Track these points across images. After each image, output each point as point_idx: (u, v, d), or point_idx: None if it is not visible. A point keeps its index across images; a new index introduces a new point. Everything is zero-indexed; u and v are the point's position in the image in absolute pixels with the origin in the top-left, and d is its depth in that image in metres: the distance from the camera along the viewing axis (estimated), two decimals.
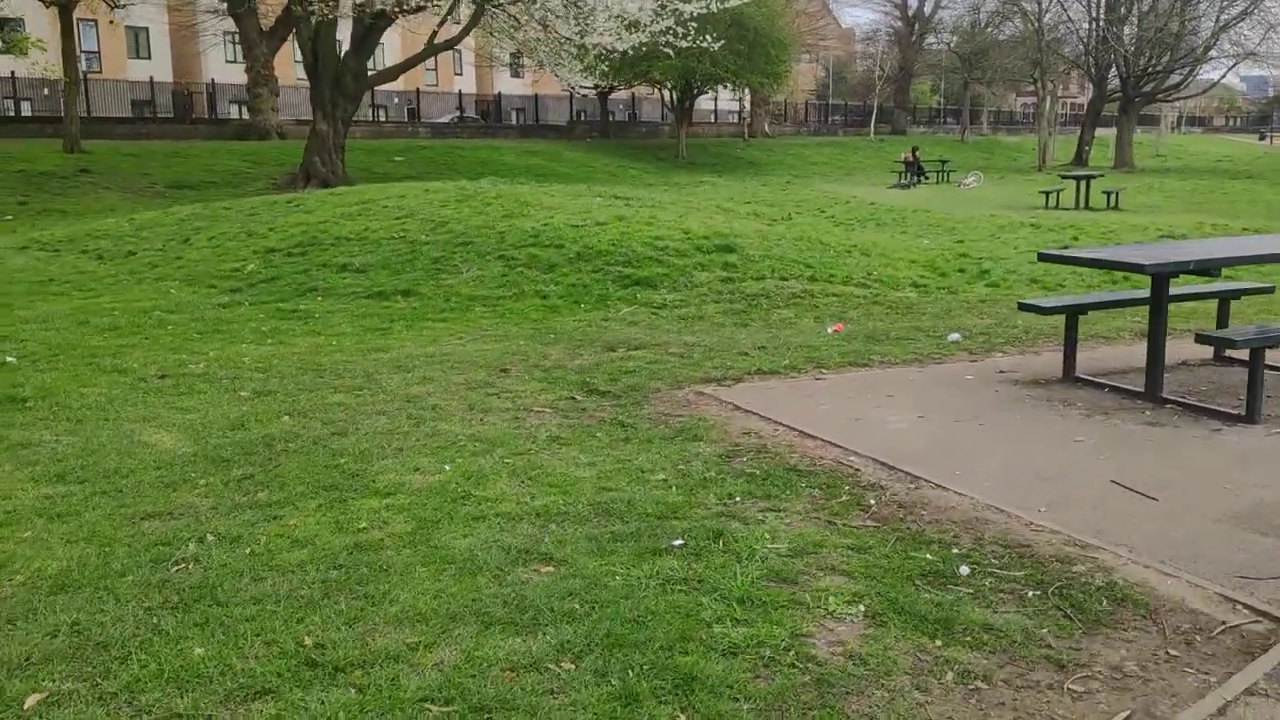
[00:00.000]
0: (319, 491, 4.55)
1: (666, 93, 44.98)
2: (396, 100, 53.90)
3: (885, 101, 63.15)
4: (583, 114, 53.65)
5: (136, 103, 46.21)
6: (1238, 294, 6.89)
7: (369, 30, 27.82)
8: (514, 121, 54.91)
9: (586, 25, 26.13)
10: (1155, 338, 5.91)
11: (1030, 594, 3.58)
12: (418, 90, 50.30)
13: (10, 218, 22.03)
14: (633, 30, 27.60)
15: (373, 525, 4.16)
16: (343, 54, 28.60)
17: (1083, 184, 23.45)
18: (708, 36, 28.73)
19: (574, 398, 6.30)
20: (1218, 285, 7.18)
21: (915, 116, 68.37)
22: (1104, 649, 3.22)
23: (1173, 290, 6.66)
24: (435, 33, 29.93)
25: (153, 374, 6.74)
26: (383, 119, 49.10)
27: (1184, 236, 15.16)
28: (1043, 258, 6.31)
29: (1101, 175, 24.84)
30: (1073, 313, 6.42)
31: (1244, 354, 6.03)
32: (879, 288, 10.01)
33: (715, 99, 59.24)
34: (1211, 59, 47.21)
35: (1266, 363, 5.99)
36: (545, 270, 9.80)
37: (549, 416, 5.87)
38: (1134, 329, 8.38)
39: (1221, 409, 5.71)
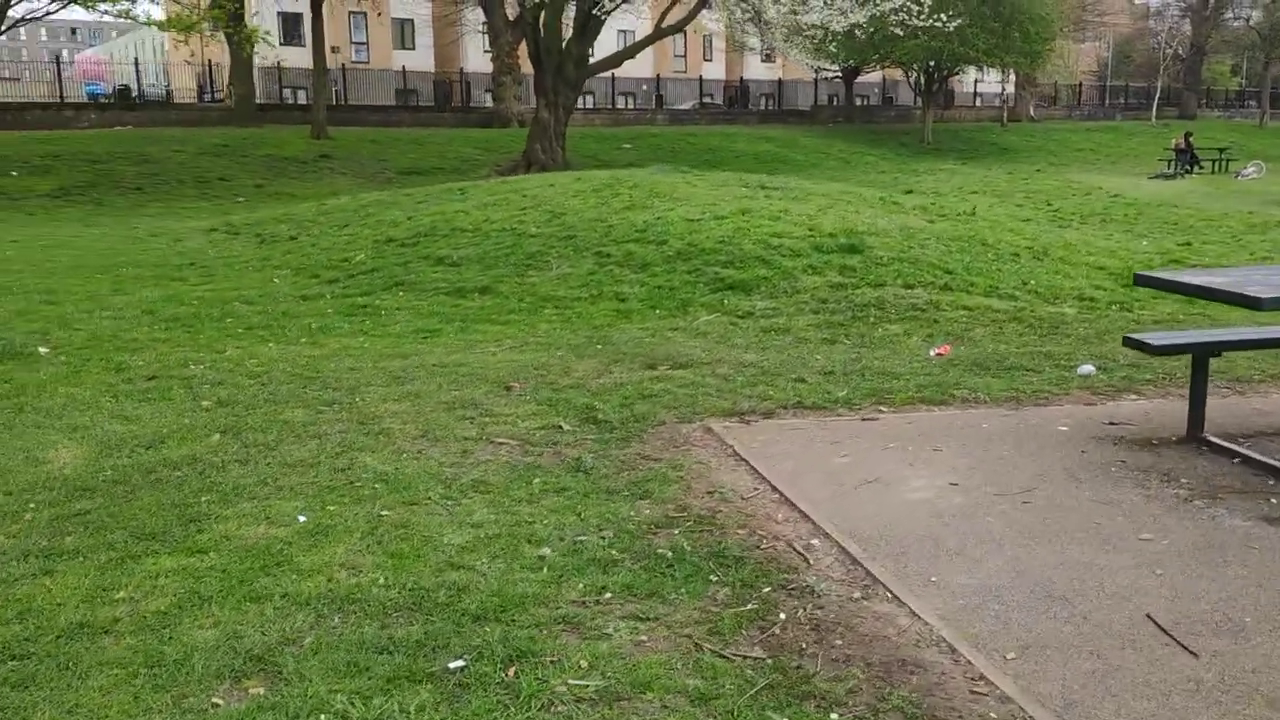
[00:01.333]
0: (132, 540, 3.85)
1: (913, 75, 42.47)
2: (645, 87, 53.94)
3: (1174, 83, 57.19)
4: (834, 98, 51.70)
5: (400, 91, 48.52)
6: None
7: (589, 16, 27.57)
8: (761, 107, 53.75)
9: (803, 5, 24.81)
10: None
11: None
12: (657, 77, 50.15)
13: (241, 200, 23.32)
14: (866, 6, 25.95)
15: (133, 597, 3.40)
16: (566, 42, 28.55)
17: None
18: (944, 15, 26.60)
19: (560, 426, 5.35)
20: None
21: (1209, 99, 61.60)
22: None
23: None
24: (663, 16, 29.46)
25: (144, 375, 6.34)
26: (627, 106, 49.30)
27: None
28: (1139, 281, 4.73)
29: None
30: (1201, 353, 4.79)
31: None
32: (1029, 300, 8.36)
33: (976, 81, 55.66)
34: None
35: None
36: (637, 269, 8.81)
37: (504, 451, 4.95)
38: None
39: None
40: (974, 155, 39.37)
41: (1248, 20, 54.72)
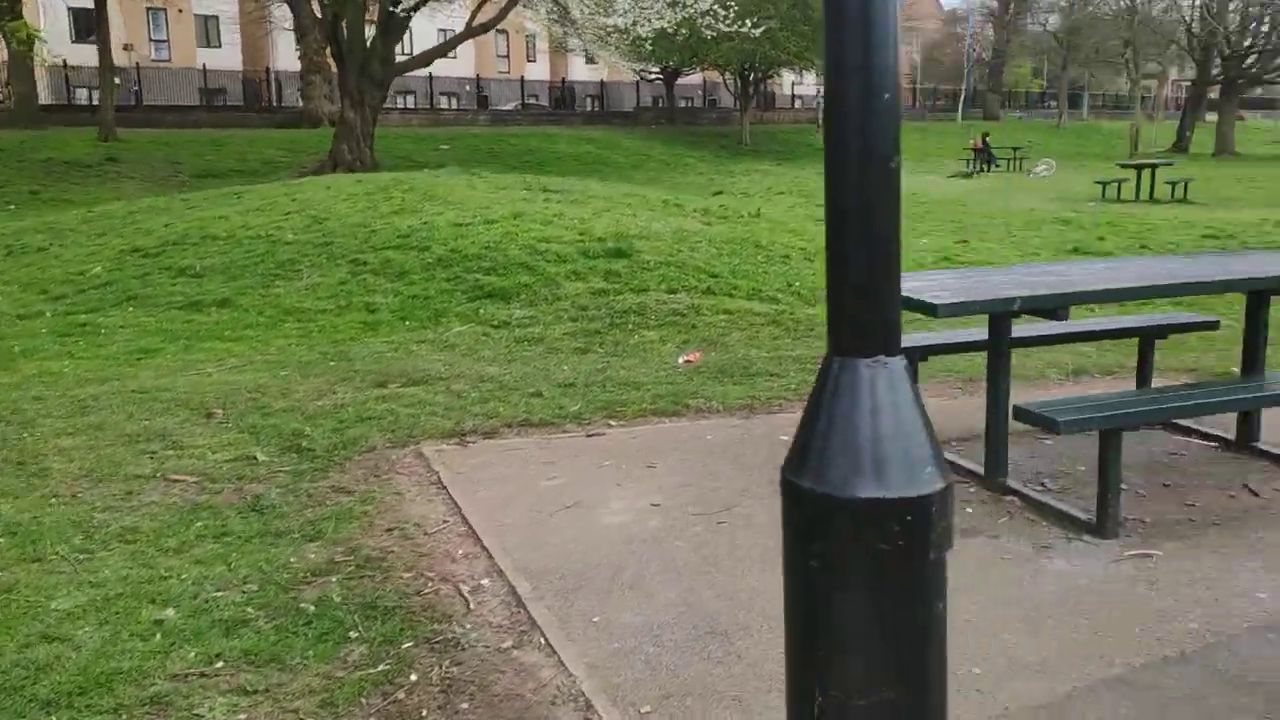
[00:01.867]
0: None
1: (729, 77, 43.11)
2: (467, 88, 53.02)
3: (979, 85, 59.94)
4: (660, 100, 51.97)
5: (204, 91, 46.17)
6: (1164, 330, 5.04)
7: (390, 14, 26.74)
8: (586, 108, 53.57)
9: (608, 7, 24.73)
10: (993, 397, 4.18)
11: None
12: (478, 77, 49.38)
13: (13, 207, 21.57)
14: (675, 8, 25.97)
15: None
16: (370, 40, 27.63)
17: (1145, 174, 20.90)
18: (748, 21, 26.91)
19: (254, 457, 4.86)
20: (1139, 319, 5.35)
21: (1011, 101, 64.86)
22: None
23: (1075, 327, 4.89)
24: (474, 14, 28.86)
25: None
26: (448, 106, 48.29)
27: (1231, 237, 12.93)
28: None
29: (1169, 164, 22.15)
30: (910, 357, 4.70)
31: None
32: (791, 303, 8.29)
33: (794, 84, 57.06)
34: None
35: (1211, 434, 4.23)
36: (393, 278, 8.35)
37: (177, 490, 4.43)
38: (1106, 365, 6.58)
39: (1073, 512, 3.94)
40: (790, 156, 40.17)
41: (1044, 25, 57.78)
